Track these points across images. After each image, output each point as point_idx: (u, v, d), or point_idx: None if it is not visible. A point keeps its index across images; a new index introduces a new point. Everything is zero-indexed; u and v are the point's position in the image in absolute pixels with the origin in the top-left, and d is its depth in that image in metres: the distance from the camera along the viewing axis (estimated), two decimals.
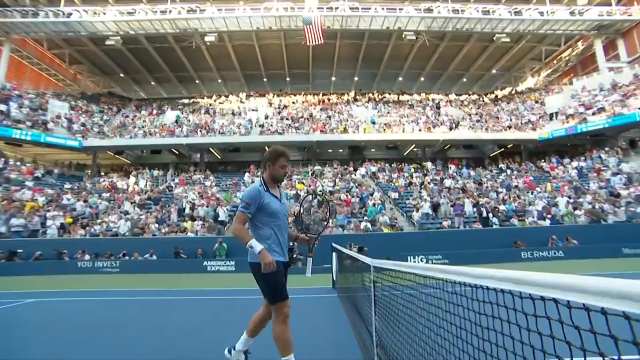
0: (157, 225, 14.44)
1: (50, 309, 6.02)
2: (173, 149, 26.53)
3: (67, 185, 19.19)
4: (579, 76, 28.09)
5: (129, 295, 7.57)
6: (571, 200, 16.08)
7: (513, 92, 32.04)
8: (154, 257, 12.55)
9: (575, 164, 21.03)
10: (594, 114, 21.62)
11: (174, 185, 20.08)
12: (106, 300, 6.97)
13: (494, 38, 25.43)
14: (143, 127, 24.79)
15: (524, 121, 25.04)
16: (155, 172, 21.98)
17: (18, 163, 20.05)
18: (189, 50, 27.44)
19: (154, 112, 28.09)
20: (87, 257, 12.27)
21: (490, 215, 15.09)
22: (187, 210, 15.86)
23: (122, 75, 31.44)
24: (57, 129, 22.45)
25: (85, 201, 16.22)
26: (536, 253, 12.92)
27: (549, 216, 15.08)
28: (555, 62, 31.36)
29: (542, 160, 23.12)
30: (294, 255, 11.92)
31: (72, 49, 27.28)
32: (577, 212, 15.15)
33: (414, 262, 12.15)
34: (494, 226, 14.70)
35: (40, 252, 12.28)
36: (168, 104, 30.78)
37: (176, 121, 26.05)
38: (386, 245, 12.38)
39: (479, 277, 0.91)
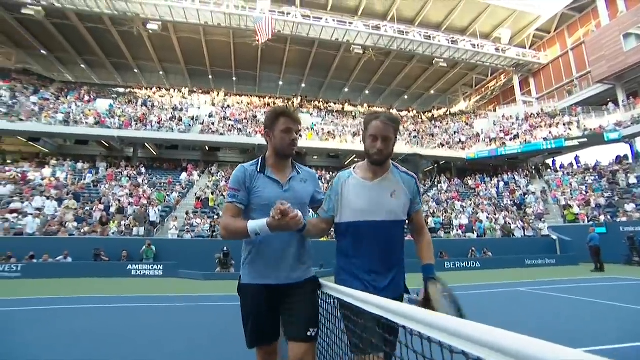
0: (75, 224, 13.02)
1: None
2: (103, 141, 24.16)
3: None
4: (501, 105, 31.78)
5: (29, 304, 6.68)
6: (489, 216, 17.98)
7: (448, 113, 34.99)
8: (69, 259, 11.26)
9: (494, 182, 23.62)
10: (510, 139, 24.51)
11: (101, 180, 18.31)
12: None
13: (433, 62, 27.65)
14: (68, 113, 22.23)
15: (455, 140, 27.45)
16: (80, 165, 19.85)
17: None
18: (128, 36, 25.38)
19: (85, 98, 25.33)
20: None
21: None
22: (113, 209, 14.56)
23: (43, 52, 27.89)
24: None
25: None
26: (458, 263, 14.15)
27: (474, 229, 16.72)
28: (483, 90, 35.01)
29: (469, 178, 25.56)
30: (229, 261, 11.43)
31: None
32: (495, 226, 17.02)
33: None
34: None
35: None
36: (100, 90, 28.05)
37: (109, 110, 23.84)
38: (321, 252, 12.60)
39: (365, 302, 1.02)
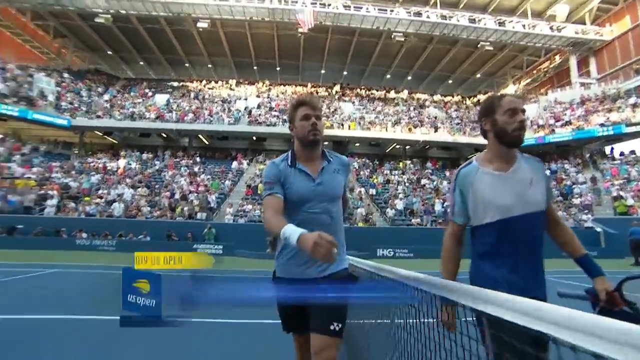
0: (149, 208, 15.21)
1: (68, 278, 7.01)
2: (162, 133, 26.84)
3: (56, 164, 19.49)
4: (554, 88, 29.86)
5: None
6: None
7: None
8: (148, 238, 13.45)
9: None
10: (562, 125, 23.35)
11: (163, 169, 20.69)
12: (109, 273, 7.90)
13: (479, 45, 26.70)
14: (133, 108, 24.98)
15: None
16: (144, 155, 22.43)
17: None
18: (180, 33, 27.51)
19: (149, 94, 28.08)
20: (84, 235, 13.08)
21: None
22: (177, 196, 16.65)
23: (109, 53, 31.10)
24: (44, 106, 22.25)
25: (80, 182, 16.71)
26: None
27: None
28: (535, 72, 32.98)
29: None
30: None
31: (57, 22, 26.54)
32: None
33: (382, 254, 13.51)
34: None
35: (40, 227, 13.09)
36: (157, 85, 30.78)
37: (166, 105, 26.32)
38: (359, 238, 13.63)
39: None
